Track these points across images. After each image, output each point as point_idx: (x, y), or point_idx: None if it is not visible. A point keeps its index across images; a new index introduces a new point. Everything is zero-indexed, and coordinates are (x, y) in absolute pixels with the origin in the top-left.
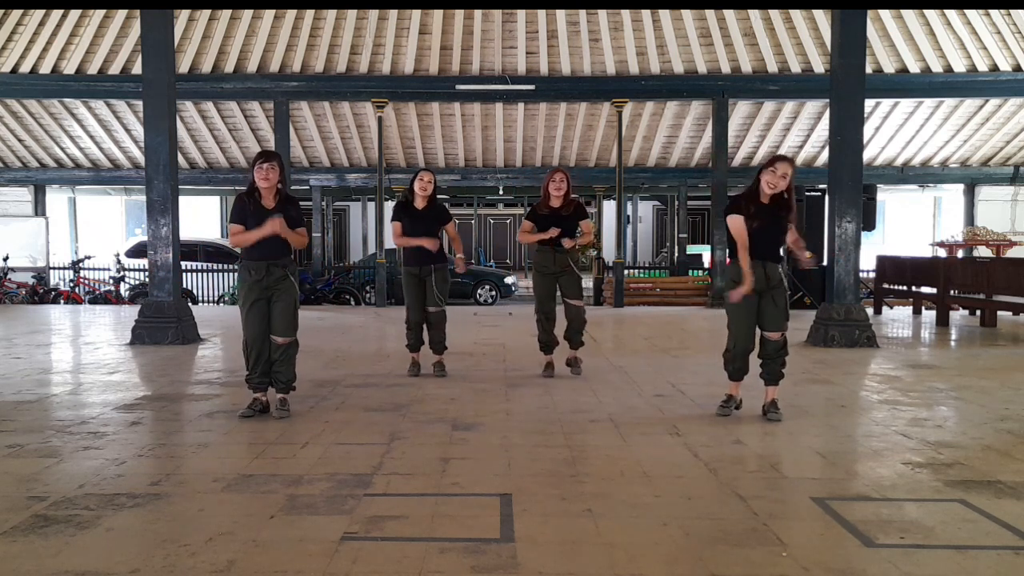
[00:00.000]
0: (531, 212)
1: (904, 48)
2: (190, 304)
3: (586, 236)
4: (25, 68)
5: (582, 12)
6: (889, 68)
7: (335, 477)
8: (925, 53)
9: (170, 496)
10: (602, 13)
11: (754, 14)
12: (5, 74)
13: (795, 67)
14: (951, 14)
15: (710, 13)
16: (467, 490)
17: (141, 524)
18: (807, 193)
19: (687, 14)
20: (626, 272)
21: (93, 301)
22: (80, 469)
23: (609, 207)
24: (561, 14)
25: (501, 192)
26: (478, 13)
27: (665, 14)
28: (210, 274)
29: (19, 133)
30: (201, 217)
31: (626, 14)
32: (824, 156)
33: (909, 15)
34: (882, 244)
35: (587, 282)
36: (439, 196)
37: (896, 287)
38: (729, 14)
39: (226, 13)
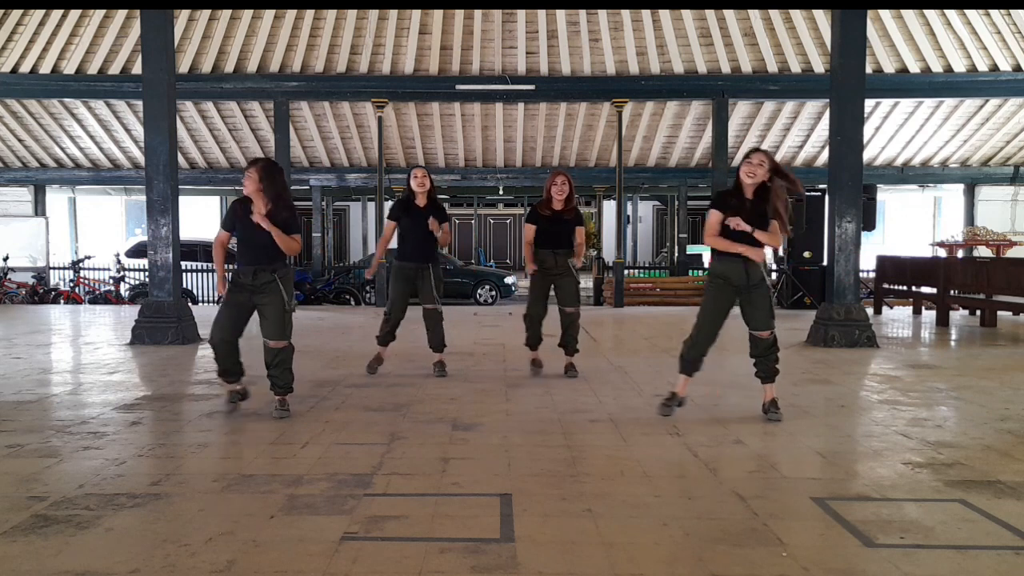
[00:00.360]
0: (532, 213)
1: (904, 48)
2: (190, 304)
3: (580, 247)
4: (25, 68)
5: (582, 12)
6: (889, 68)
7: (335, 477)
8: (925, 53)
9: (170, 496)
10: (602, 13)
11: (754, 14)
12: (5, 74)
13: (795, 67)
14: (951, 14)
15: (710, 13)
16: (467, 490)
17: (141, 524)
18: (807, 193)
19: (687, 14)
20: (626, 272)
21: (93, 301)
22: (80, 469)
23: (609, 207)
24: (561, 14)
25: (501, 192)
26: (478, 13)
27: (665, 14)
28: (210, 274)
29: (19, 133)
30: (201, 217)
31: (626, 14)
32: (824, 156)
33: (909, 15)
34: (882, 244)
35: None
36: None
37: (896, 287)
38: (729, 14)
39: (226, 13)
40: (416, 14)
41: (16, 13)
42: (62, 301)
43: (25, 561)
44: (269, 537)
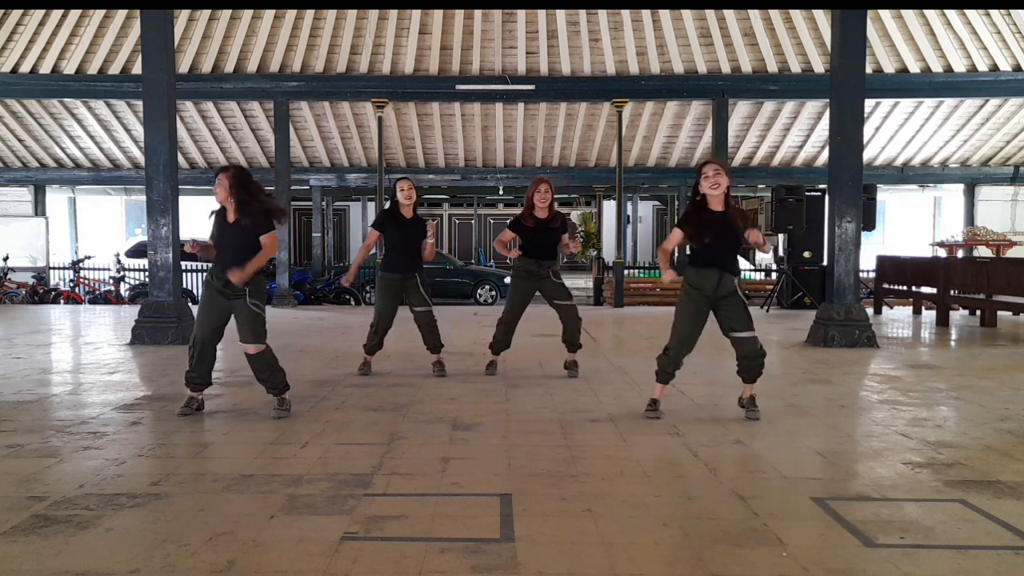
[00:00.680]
0: (514, 223)
1: (904, 48)
2: (190, 304)
3: (565, 249)
4: (25, 68)
5: (582, 12)
6: (889, 68)
7: (335, 477)
8: (925, 53)
9: (170, 496)
10: (602, 13)
11: (754, 14)
12: (5, 74)
13: (795, 67)
14: (951, 14)
15: (710, 13)
16: (467, 490)
17: (141, 524)
18: (807, 193)
19: (687, 14)
20: (626, 272)
21: (93, 301)
22: (80, 469)
23: (609, 207)
24: (561, 14)
25: (501, 192)
26: (478, 13)
27: (665, 14)
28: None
29: (19, 133)
30: (201, 217)
31: (626, 14)
32: (824, 156)
33: (909, 15)
34: (882, 244)
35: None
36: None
37: (896, 287)
38: (729, 14)
39: (226, 13)
40: (416, 14)
41: (16, 13)
42: (62, 301)
43: (25, 561)
44: (269, 537)
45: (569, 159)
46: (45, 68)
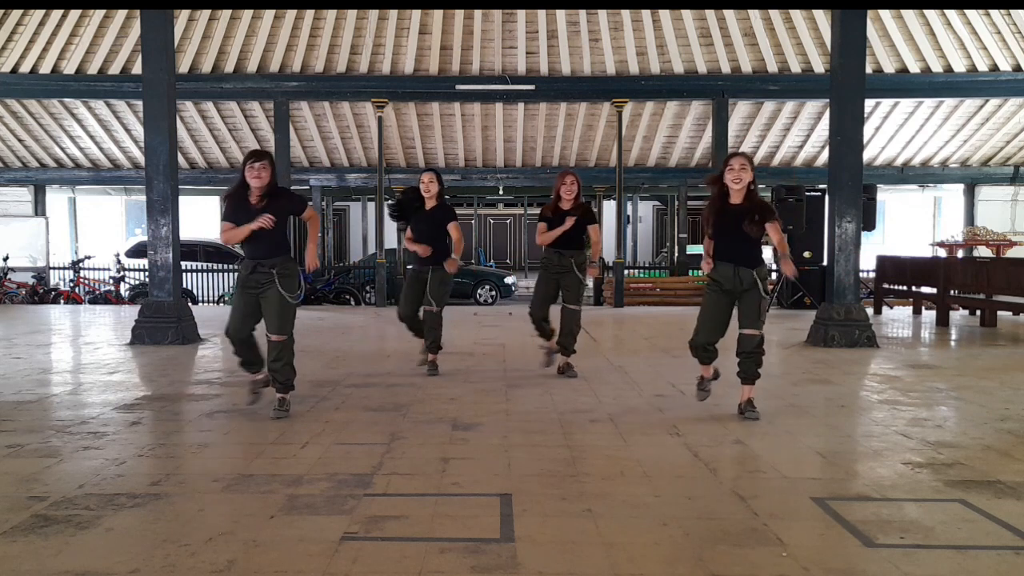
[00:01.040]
0: (542, 214)
1: (904, 48)
2: (190, 304)
3: (595, 244)
4: (25, 68)
5: (582, 12)
6: (889, 68)
7: (335, 477)
8: (925, 53)
9: (170, 496)
10: (602, 13)
11: (754, 14)
12: (5, 74)
13: (795, 67)
14: (951, 14)
15: (710, 13)
16: (467, 490)
17: (141, 524)
18: (807, 193)
19: (687, 14)
20: (626, 272)
21: (93, 301)
22: (80, 469)
23: (609, 207)
24: (561, 14)
25: (501, 192)
26: (478, 13)
27: (665, 14)
28: (210, 274)
29: (19, 133)
30: (201, 217)
31: (626, 14)
32: (824, 156)
33: (909, 15)
34: (882, 244)
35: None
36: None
37: (896, 287)
38: (729, 14)
39: (226, 13)
40: (416, 14)
41: (16, 13)
42: (62, 301)
43: (25, 561)
44: (269, 537)
45: (569, 159)
46: (45, 68)
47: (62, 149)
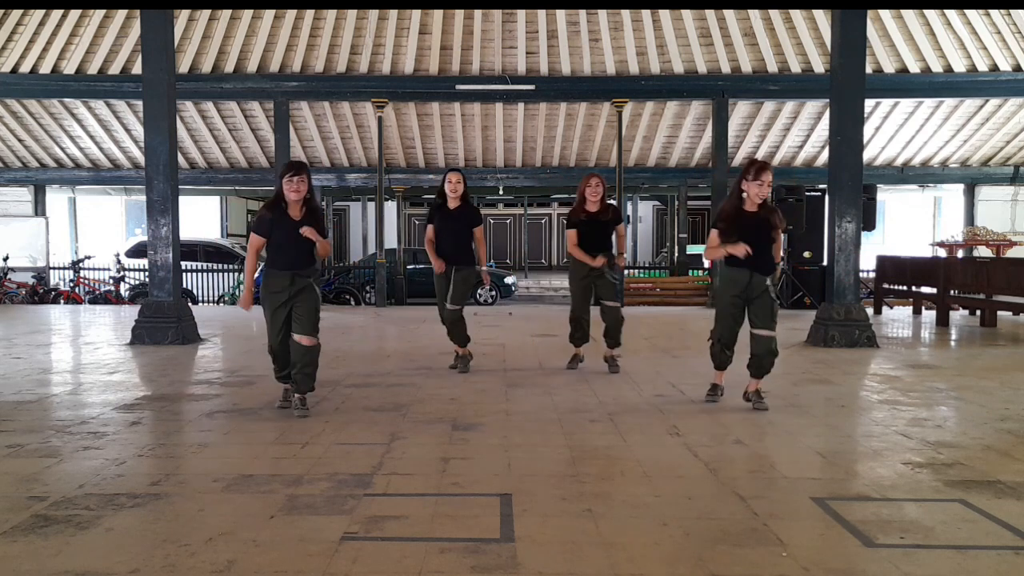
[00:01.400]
0: (570, 219)
1: (904, 48)
2: (190, 304)
3: (620, 239)
4: (25, 68)
5: (582, 12)
6: (889, 68)
7: (335, 477)
8: (925, 53)
9: (170, 496)
10: (602, 13)
11: (754, 14)
12: (5, 74)
13: (795, 67)
14: (951, 14)
15: (710, 13)
16: (467, 490)
17: (141, 524)
18: (807, 193)
19: (687, 14)
20: (626, 272)
21: (93, 301)
22: (80, 469)
23: None
24: (561, 14)
25: (501, 192)
26: (478, 13)
27: (665, 14)
28: (210, 274)
29: (19, 133)
30: (201, 217)
31: (626, 14)
32: (824, 156)
33: (909, 15)
34: (882, 244)
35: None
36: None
37: (896, 287)
38: (729, 14)
39: (226, 13)
40: (416, 14)
41: (16, 13)
42: (62, 301)
43: (25, 561)
44: (269, 537)
45: (569, 159)
46: (45, 68)
47: (62, 149)
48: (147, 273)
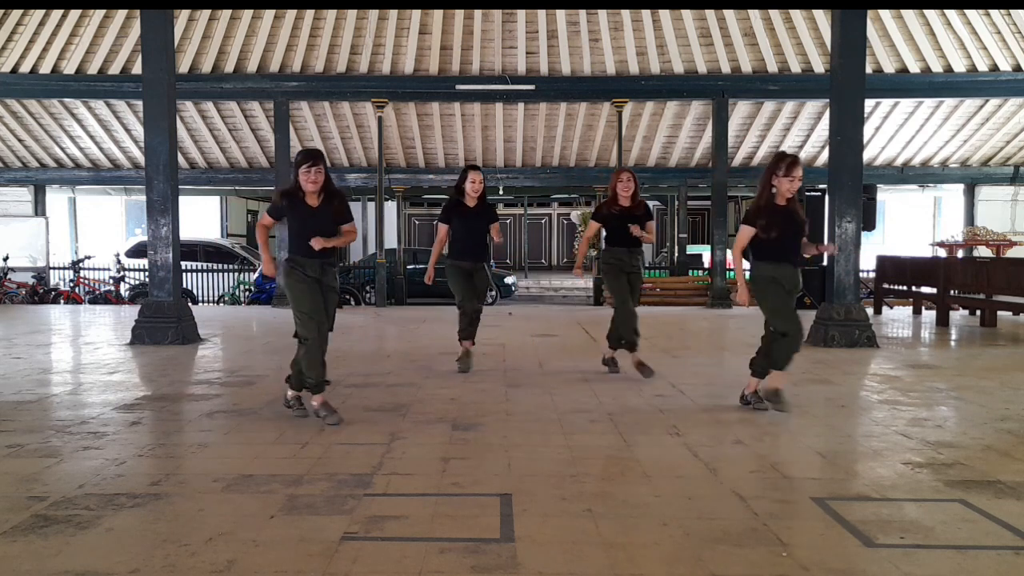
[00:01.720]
0: (596, 212)
1: (904, 48)
2: (190, 304)
3: (649, 236)
4: (25, 68)
5: (582, 12)
6: (889, 68)
7: (335, 477)
8: (925, 53)
9: (170, 496)
10: (602, 13)
11: (754, 14)
12: (5, 74)
13: (795, 67)
14: (951, 14)
15: (710, 13)
16: (467, 490)
17: (141, 524)
18: (807, 193)
19: (687, 14)
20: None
21: (93, 301)
22: (80, 469)
23: None
24: (561, 14)
25: (501, 192)
26: (478, 13)
27: (665, 14)
28: (210, 274)
29: (19, 133)
30: (201, 217)
31: (626, 14)
32: (824, 156)
33: (909, 15)
34: (882, 244)
35: (588, 282)
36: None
37: (896, 287)
38: (729, 14)
39: (226, 13)
40: (416, 14)
41: (16, 13)
42: (62, 301)
43: (25, 561)
44: (269, 537)
45: (569, 159)
46: (45, 68)
47: (62, 149)
48: (147, 273)
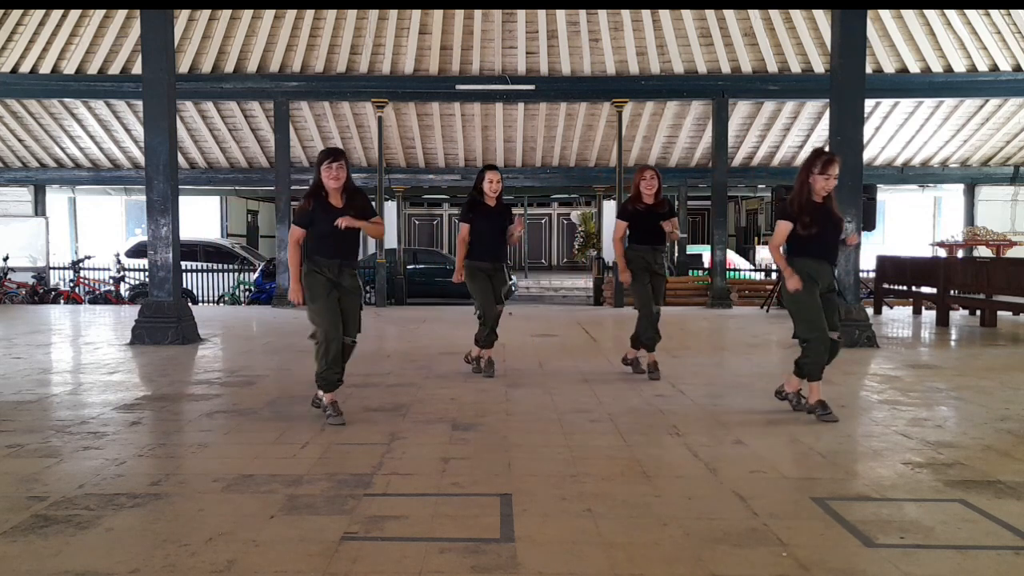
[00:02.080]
0: (622, 211)
1: (904, 48)
2: (190, 304)
3: (676, 232)
4: (25, 68)
5: (582, 12)
6: (889, 68)
7: (335, 477)
8: (925, 53)
9: (170, 496)
10: (602, 13)
11: (754, 14)
12: (5, 74)
13: (795, 67)
14: (951, 14)
15: (710, 13)
16: (467, 490)
17: (141, 524)
18: None
19: (687, 14)
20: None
21: (93, 301)
22: (80, 469)
23: (609, 207)
24: (561, 14)
25: None
26: (478, 13)
27: (665, 14)
28: (210, 274)
29: (19, 133)
30: (201, 217)
31: (626, 14)
32: None
33: (909, 15)
34: (882, 244)
35: (587, 282)
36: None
37: (896, 287)
38: (729, 14)
39: (226, 13)
40: (416, 14)
41: (16, 13)
42: (62, 301)
43: (25, 561)
44: (269, 537)
45: (569, 159)
46: (45, 68)
47: (62, 149)
48: (147, 273)
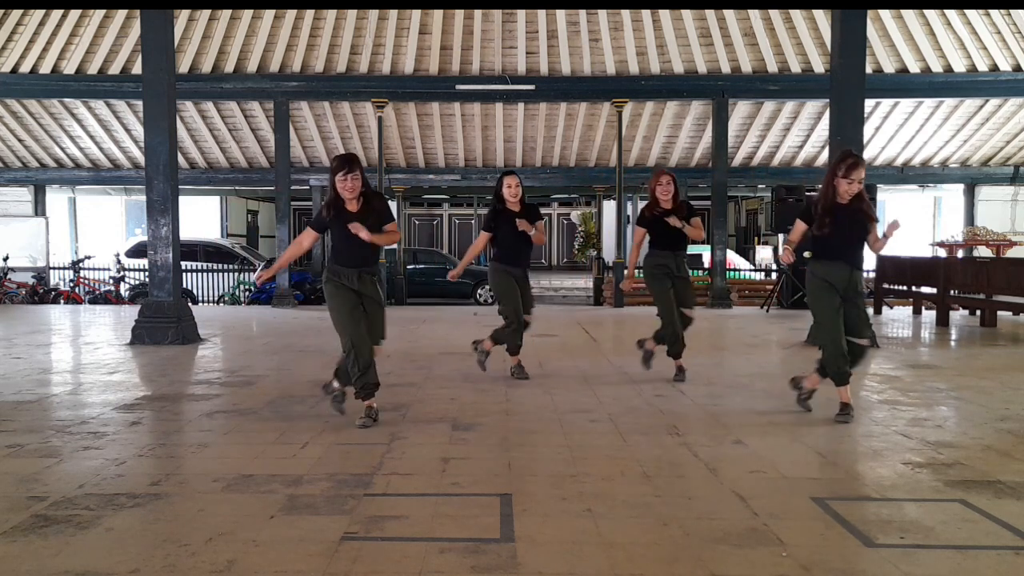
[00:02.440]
0: (640, 218)
1: (904, 48)
2: (190, 304)
3: (697, 231)
4: (25, 68)
5: (582, 12)
6: (889, 68)
7: (335, 477)
8: (925, 53)
9: (170, 496)
10: (602, 13)
11: (754, 14)
12: (5, 74)
13: (795, 67)
14: (951, 14)
15: (710, 13)
16: (467, 490)
17: (141, 524)
18: (807, 193)
19: (687, 14)
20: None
21: (93, 301)
22: (80, 469)
23: (609, 207)
24: (561, 14)
25: None
26: (478, 13)
27: (665, 14)
28: (210, 274)
29: (19, 133)
30: (201, 217)
31: (626, 14)
32: (824, 156)
33: (909, 15)
34: None
35: (587, 282)
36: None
37: (896, 287)
38: (729, 14)
39: (226, 13)
40: (416, 14)
41: (16, 13)
42: (62, 301)
43: (25, 561)
44: (269, 537)
45: (569, 159)
46: (45, 68)
47: (62, 149)
48: (147, 273)
